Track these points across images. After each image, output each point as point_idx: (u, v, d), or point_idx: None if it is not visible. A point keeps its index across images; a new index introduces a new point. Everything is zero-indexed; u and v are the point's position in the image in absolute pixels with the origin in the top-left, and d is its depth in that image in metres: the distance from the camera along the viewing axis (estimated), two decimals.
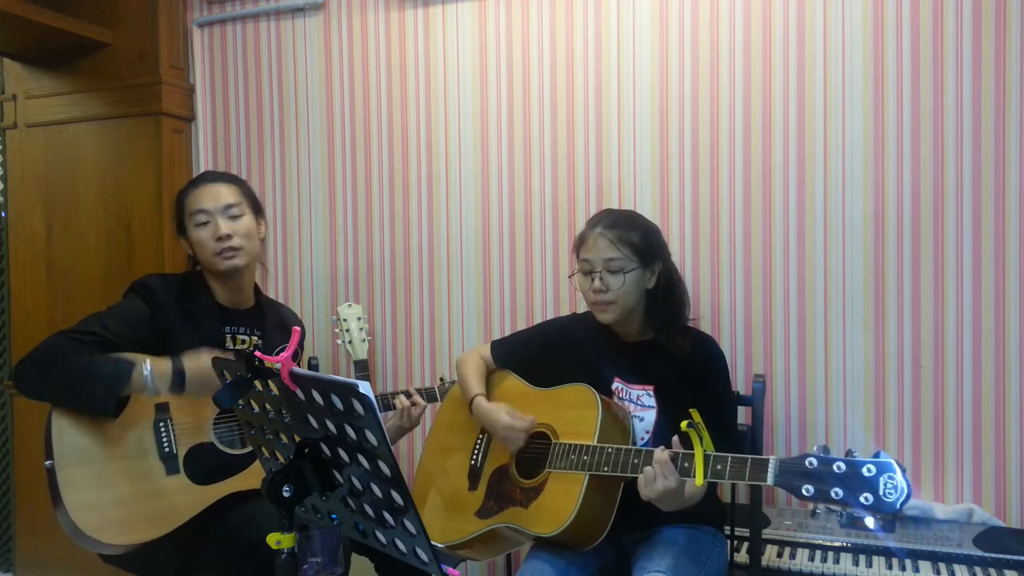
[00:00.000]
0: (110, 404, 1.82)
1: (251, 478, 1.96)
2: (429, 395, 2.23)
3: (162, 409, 1.92)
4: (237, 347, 2.08)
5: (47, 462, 1.80)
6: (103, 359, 1.83)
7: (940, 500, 2.13)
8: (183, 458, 1.91)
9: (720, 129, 2.30)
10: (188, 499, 1.88)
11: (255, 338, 2.11)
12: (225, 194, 2.04)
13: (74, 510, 1.77)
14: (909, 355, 2.15)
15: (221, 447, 1.97)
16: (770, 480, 1.47)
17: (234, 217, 2.03)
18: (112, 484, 1.83)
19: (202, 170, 2.84)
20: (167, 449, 1.90)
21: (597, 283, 1.84)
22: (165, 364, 1.86)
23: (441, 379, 2.31)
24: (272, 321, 2.18)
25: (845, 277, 2.20)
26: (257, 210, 2.12)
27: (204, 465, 1.92)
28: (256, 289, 2.18)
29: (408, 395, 2.17)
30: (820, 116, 2.21)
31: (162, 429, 1.91)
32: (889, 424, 2.17)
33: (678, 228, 2.34)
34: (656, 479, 1.59)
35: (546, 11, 2.46)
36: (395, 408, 2.15)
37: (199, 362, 1.88)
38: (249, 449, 2.00)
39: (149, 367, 1.83)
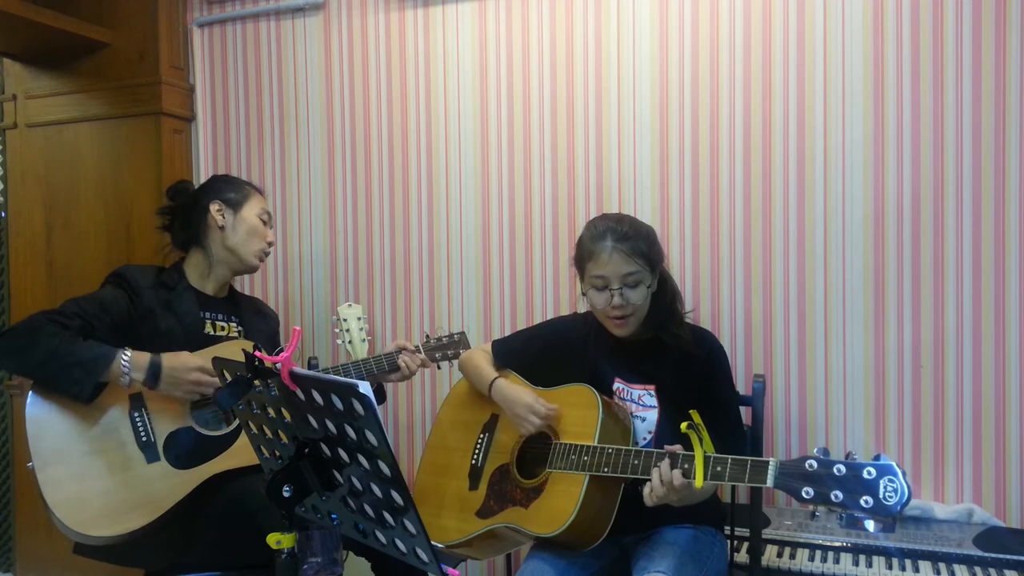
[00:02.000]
0: (87, 388, 1.86)
1: (234, 456, 1.98)
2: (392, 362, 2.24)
3: (136, 399, 1.95)
4: (217, 333, 2.14)
5: (29, 464, 1.85)
6: (83, 344, 1.87)
7: (940, 500, 2.13)
8: (163, 445, 1.93)
9: (720, 129, 2.30)
10: (171, 485, 1.90)
11: (234, 325, 2.18)
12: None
13: (57, 507, 1.80)
14: (909, 355, 2.15)
15: (200, 430, 1.98)
16: (769, 482, 1.47)
17: (271, 229, 2.27)
18: (92, 477, 1.85)
19: (202, 170, 2.85)
20: (144, 438, 1.92)
21: (617, 299, 1.80)
22: (144, 356, 1.90)
23: (427, 336, 2.29)
24: (249, 309, 2.26)
25: (845, 277, 2.20)
26: None
27: (185, 449, 1.95)
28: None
29: (408, 350, 2.20)
30: (820, 116, 2.21)
31: (137, 419, 1.93)
32: (889, 424, 2.17)
33: (678, 228, 2.34)
34: (653, 492, 1.60)
35: (546, 11, 2.46)
36: (399, 370, 2.18)
37: (178, 361, 1.93)
38: (230, 429, 2.02)
39: (128, 356, 1.88)
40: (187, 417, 1.98)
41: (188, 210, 2.18)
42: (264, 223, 2.21)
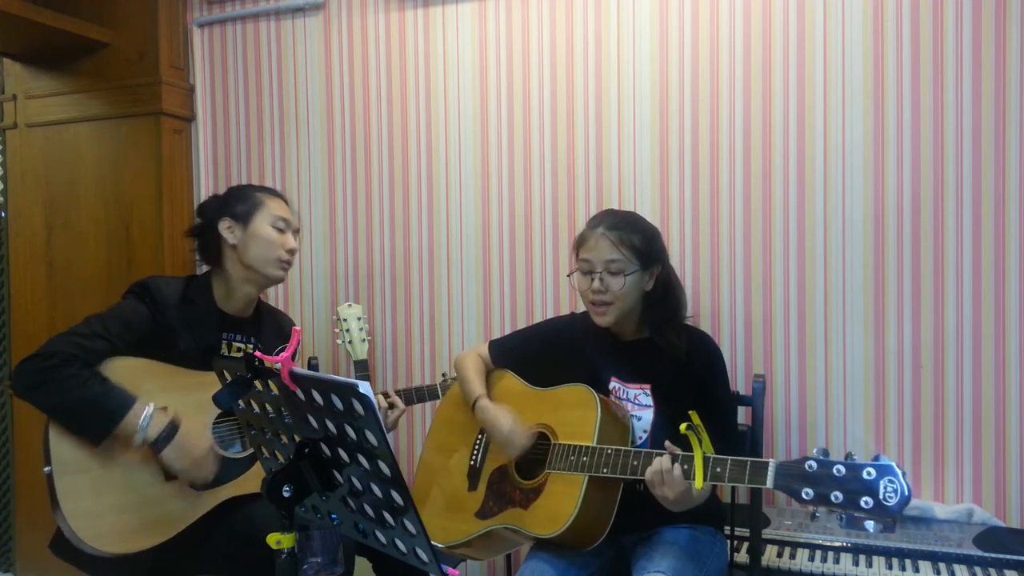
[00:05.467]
0: (100, 436, 1.80)
1: (251, 481, 1.95)
2: (420, 395, 2.22)
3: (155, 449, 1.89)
4: (233, 354, 2.07)
5: (46, 468, 1.79)
6: (104, 390, 1.80)
7: (940, 500, 2.13)
8: None
9: (720, 129, 2.30)
10: (187, 506, 1.87)
11: (251, 346, 2.11)
12: (295, 217, 2.17)
13: (72, 518, 1.77)
14: (909, 355, 2.15)
15: (220, 451, 1.95)
16: (769, 483, 1.47)
17: (295, 239, 2.15)
18: (110, 491, 1.82)
19: (202, 170, 2.85)
20: None
21: (597, 284, 1.85)
22: (163, 418, 1.83)
23: (444, 375, 2.31)
24: (269, 329, 2.18)
25: (845, 277, 2.20)
26: None
27: None
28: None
29: (386, 396, 2.15)
30: (820, 116, 2.21)
31: None
32: (889, 424, 2.17)
33: (678, 228, 2.34)
34: (656, 487, 1.60)
35: (546, 11, 2.46)
36: None
37: (194, 434, 1.86)
38: (248, 452, 1.99)
39: (150, 413, 1.81)
40: (208, 436, 1.95)
41: (204, 231, 2.09)
42: (281, 231, 2.08)
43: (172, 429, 1.83)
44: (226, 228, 2.05)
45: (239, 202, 2.08)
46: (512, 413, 1.90)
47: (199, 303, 2.03)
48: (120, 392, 1.82)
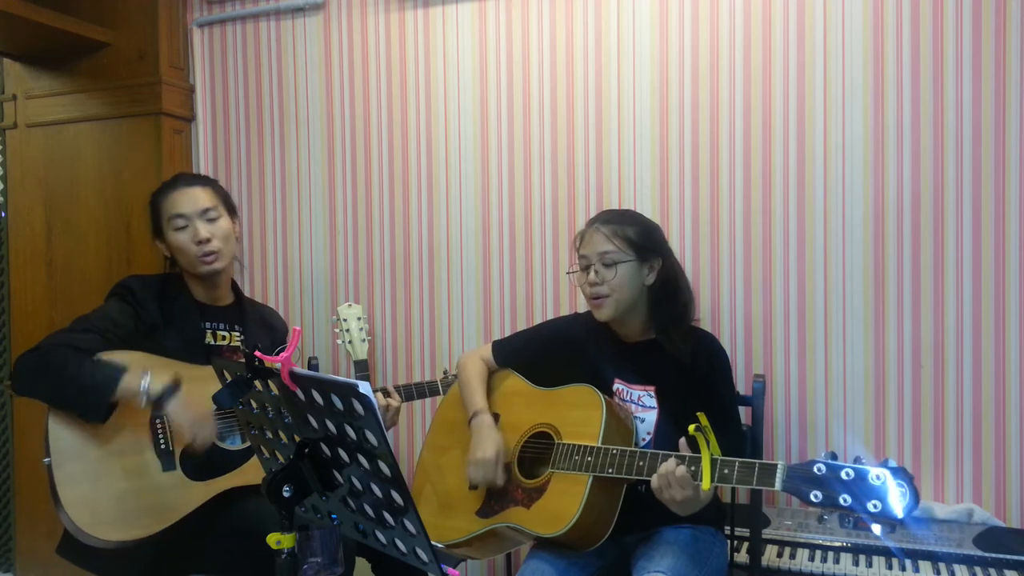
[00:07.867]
0: (100, 412, 1.82)
1: (249, 474, 1.96)
2: (420, 391, 2.23)
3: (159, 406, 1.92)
4: (218, 343, 2.09)
5: (46, 459, 1.81)
6: (94, 365, 1.83)
7: (940, 500, 2.13)
8: (180, 454, 1.91)
9: (720, 129, 2.30)
10: (184, 495, 1.88)
11: (236, 334, 2.13)
12: (202, 198, 2.06)
13: (70, 505, 1.78)
14: (909, 355, 2.15)
15: (218, 443, 1.97)
16: (778, 486, 1.47)
17: (212, 220, 2.06)
18: (107, 479, 1.83)
19: (202, 170, 2.85)
20: (163, 445, 1.90)
21: (592, 275, 1.87)
22: (165, 376, 1.85)
23: (445, 371, 2.30)
24: (253, 319, 2.19)
25: (845, 277, 2.20)
26: (232, 210, 2.14)
27: (201, 461, 1.92)
28: (234, 286, 2.20)
29: (386, 393, 2.16)
30: (820, 116, 2.21)
31: (158, 425, 1.91)
32: (889, 424, 2.17)
33: (678, 228, 2.34)
34: (663, 490, 1.59)
35: (546, 11, 2.46)
36: None
37: (198, 401, 1.85)
38: (247, 444, 2.00)
39: (149, 375, 1.82)
40: (209, 404, 1.94)
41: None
42: (182, 228, 2.02)
43: (175, 384, 1.85)
44: (159, 247, 2.11)
45: (152, 212, 2.09)
46: (501, 445, 1.88)
47: (177, 297, 2.06)
48: (112, 362, 1.84)
